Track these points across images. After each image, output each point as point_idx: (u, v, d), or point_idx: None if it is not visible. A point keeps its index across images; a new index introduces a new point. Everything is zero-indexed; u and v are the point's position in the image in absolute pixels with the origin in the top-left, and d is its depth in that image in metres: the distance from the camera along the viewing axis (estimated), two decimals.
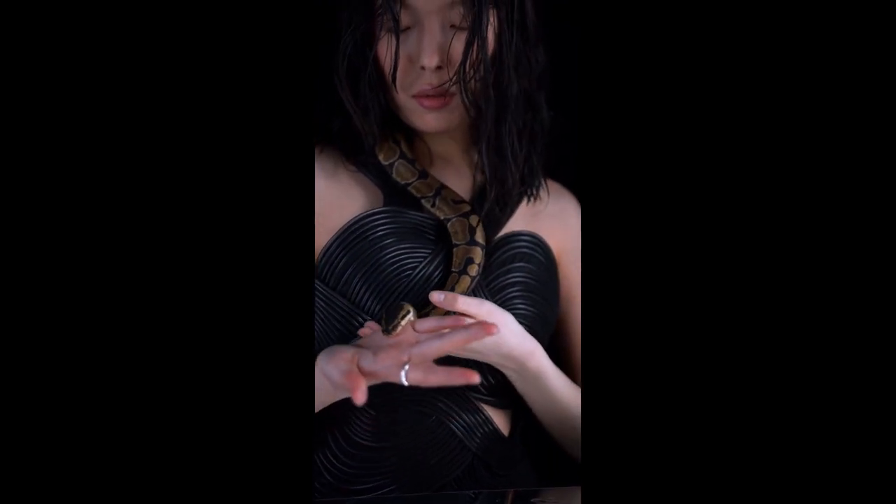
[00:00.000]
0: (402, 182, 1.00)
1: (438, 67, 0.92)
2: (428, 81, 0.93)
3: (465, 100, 0.93)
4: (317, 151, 1.01)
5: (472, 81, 0.92)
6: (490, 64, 0.92)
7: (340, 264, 0.95)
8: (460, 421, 0.96)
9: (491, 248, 1.00)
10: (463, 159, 1.04)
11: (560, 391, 0.96)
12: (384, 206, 0.98)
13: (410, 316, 0.82)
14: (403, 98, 0.96)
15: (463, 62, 0.91)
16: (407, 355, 0.76)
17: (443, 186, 1.00)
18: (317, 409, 0.89)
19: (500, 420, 1.00)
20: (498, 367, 0.93)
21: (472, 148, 1.01)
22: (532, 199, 1.04)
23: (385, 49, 0.93)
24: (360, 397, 0.73)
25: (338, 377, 0.78)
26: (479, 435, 0.97)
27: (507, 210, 1.01)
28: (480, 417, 0.97)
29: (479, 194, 1.01)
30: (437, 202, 0.98)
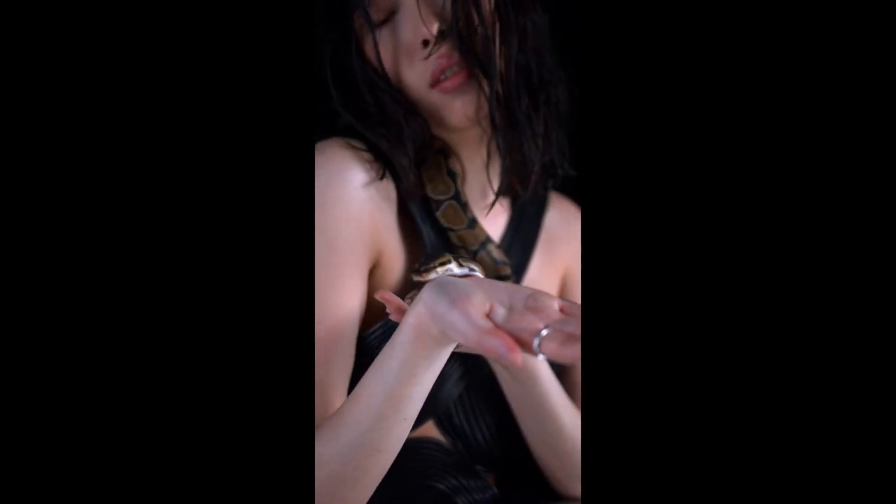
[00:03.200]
0: (446, 225, 0.88)
1: (442, 33, 0.82)
2: (438, 54, 0.82)
3: (461, 49, 0.82)
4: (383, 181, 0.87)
5: (468, 33, 0.82)
6: (484, 12, 0.82)
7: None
8: (468, 497, 0.89)
9: None
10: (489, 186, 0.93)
11: (552, 400, 0.87)
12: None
13: (451, 266, 0.73)
14: (422, 93, 0.85)
15: (453, 13, 0.80)
16: (544, 324, 0.62)
17: (488, 240, 0.90)
18: (399, 381, 0.70)
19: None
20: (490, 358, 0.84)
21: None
22: (552, 180, 0.94)
23: (371, 45, 0.83)
24: (519, 358, 0.59)
25: (473, 333, 0.61)
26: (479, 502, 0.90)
27: (530, 189, 0.91)
28: (484, 484, 0.91)
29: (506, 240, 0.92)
30: (477, 256, 0.89)
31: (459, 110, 0.84)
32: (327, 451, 0.71)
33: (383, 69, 0.83)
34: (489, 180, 0.91)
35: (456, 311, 0.63)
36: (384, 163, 0.86)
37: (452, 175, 0.89)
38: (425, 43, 0.82)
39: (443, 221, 0.88)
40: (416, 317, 0.68)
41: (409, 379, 0.69)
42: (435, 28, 0.82)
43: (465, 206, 0.89)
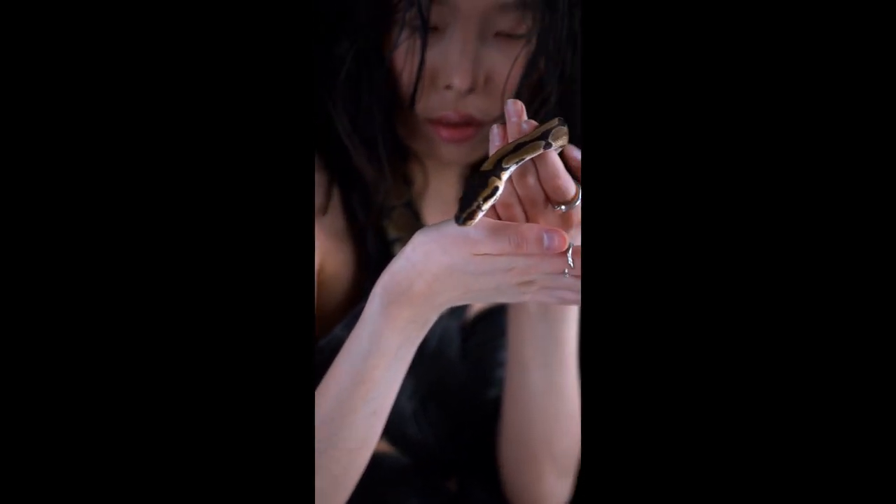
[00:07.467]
0: (393, 236, 0.81)
1: (470, 90, 0.73)
2: (452, 107, 0.74)
3: (481, 123, 0.75)
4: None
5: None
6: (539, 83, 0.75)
7: None
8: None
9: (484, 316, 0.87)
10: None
11: (569, 349, 0.78)
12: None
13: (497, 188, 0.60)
14: (418, 117, 0.76)
15: (520, 86, 0.73)
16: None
17: None
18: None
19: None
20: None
21: None
22: None
23: (404, 59, 0.73)
24: (565, 237, 0.56)
25: (502, 228, 0.59)
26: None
27: None
28: (442, 490, 0.88)
29: None
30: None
31: (446, 154, 0.78)
32: None
33: (416, 84, 0.74)
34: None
35: (472, 221, 0.59)
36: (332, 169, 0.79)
37: (408, 181, 0.82)
38: (448, 86, 0.74)
39: (391, 231, 0.81)
40: (391, 276, 0.62)
41: (379, 360, 0.63)
42: (467, 83, 0.73)
43: (417, 215, 0.82)
